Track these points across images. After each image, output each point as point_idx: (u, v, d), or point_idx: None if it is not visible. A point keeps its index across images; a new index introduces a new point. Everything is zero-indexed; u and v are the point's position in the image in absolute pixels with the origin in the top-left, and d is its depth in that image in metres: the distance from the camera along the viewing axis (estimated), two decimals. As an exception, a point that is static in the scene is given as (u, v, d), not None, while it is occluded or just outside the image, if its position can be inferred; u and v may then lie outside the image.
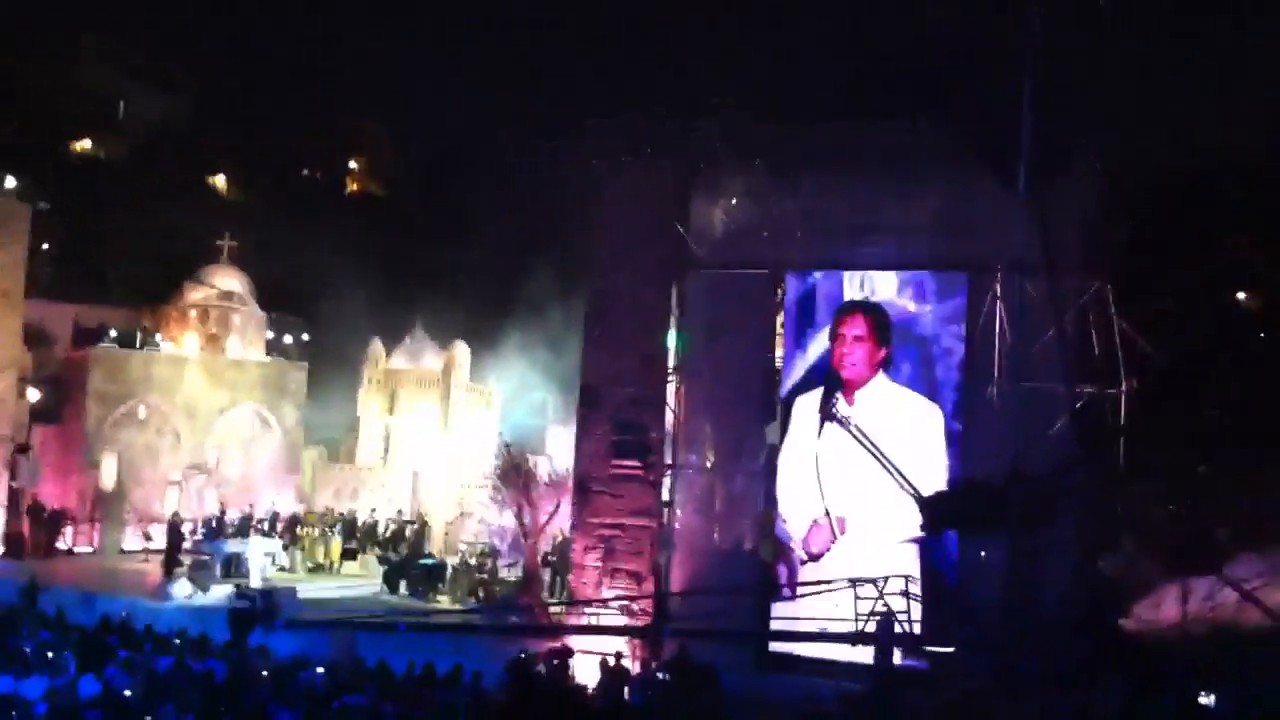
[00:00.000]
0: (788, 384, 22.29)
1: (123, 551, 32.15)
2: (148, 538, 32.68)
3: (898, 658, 16.01)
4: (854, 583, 15.83)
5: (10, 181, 42.37)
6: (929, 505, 18.73)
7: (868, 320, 21.45)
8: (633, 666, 18.60)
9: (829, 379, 21.38)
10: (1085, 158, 20.03)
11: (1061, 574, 18.64)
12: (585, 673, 18.53)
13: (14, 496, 30.89)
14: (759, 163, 23.17)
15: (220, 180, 53.17)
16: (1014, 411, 19.95)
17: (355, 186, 54.66)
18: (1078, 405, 19.33)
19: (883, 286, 21.93)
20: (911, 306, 21.75)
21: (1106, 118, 20.87)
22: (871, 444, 20.06)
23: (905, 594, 18.31)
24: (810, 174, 22.35)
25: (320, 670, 17.61)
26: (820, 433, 21.23)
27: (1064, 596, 18.29)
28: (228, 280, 37.46)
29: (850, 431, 18.40)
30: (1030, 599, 17.31)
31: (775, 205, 22.62)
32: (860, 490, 20.77)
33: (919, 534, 19.62)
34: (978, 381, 20.57)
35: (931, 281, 21.54)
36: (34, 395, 33.18)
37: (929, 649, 17.01)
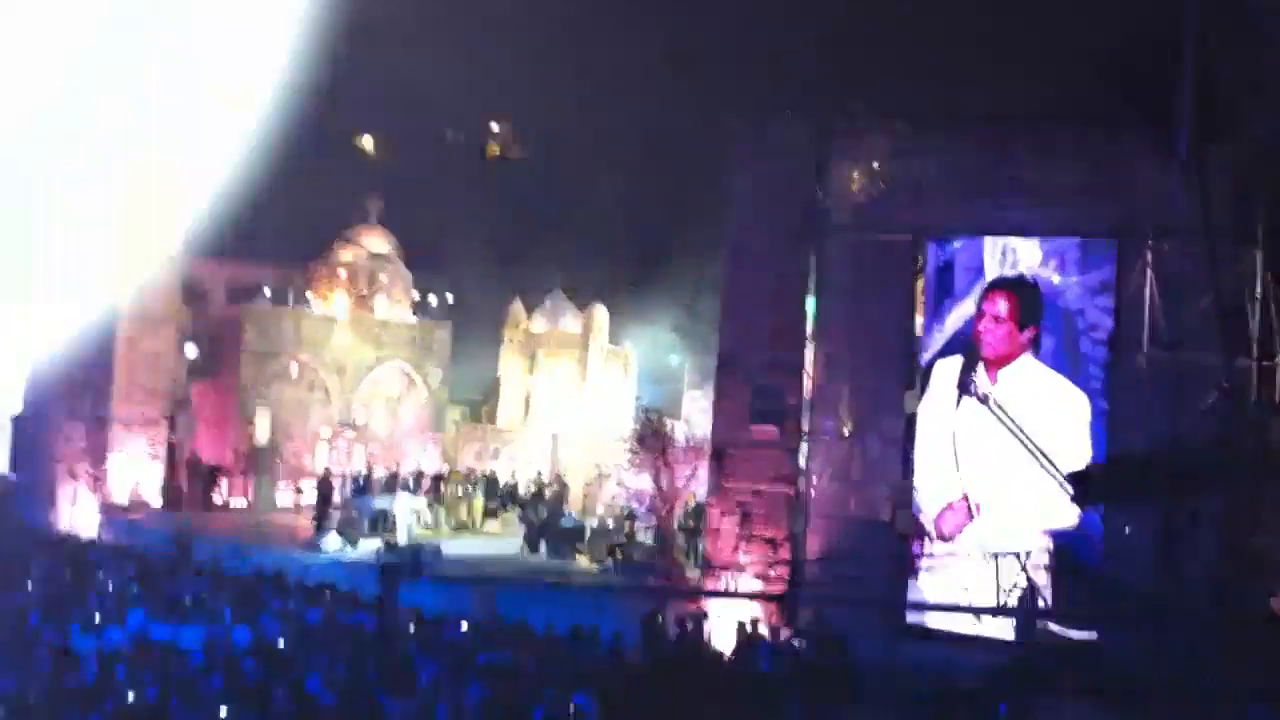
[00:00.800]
0: (926, 353, 22.05)
1: (275, 506, 33.35)
2: (299, 492, 33.81)
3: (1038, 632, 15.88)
4: (996, 556, 15.73)
5: (169, 142, 43.76)
6: (1081, 478, 18.52)
7: (1012, 301, 21.02)
8: (766, 632, 18.70)
9: (969, 352, 21.10)
10: (1242, 122, 19.31)
11: (1210, 552, 18.18)
12: (719, 637, 18.71)
13: (172, 450, 32.18)
14: (901, 125, 22.91)
15: (367, 141, 54.23)
16: (1165, 384, 19.55)
17: (497, 148, 55.32)
18: (1231, 377, 18.78)
19: (1025, 257, 21.43)
20: (1056, 278, 21.10)
21: (1265, 82, 20.09)
22: (1014, 424, 19.91)
23: (1048, 568, 18.16)
24: (954, 136, 22.00)
25: (464, 625, 18.18)
26: (959, 407, 21.02)
27: (1212, 575, 17.83)
28: (375, 240, 38.36)
29: (991, 409, 18.28)
30: (1177, 577, 16.97)
31: (917, 168, 22.27)
32: (998, 472, 20.53)
33: (1059, 520, 19.32)
34: (1126, 353, 20.06)
35: (1076, 251, 20.91)
36: (191, 351, 34.45)
37: (1070, 626, 16.80)
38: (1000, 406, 20.95)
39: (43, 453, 31.62)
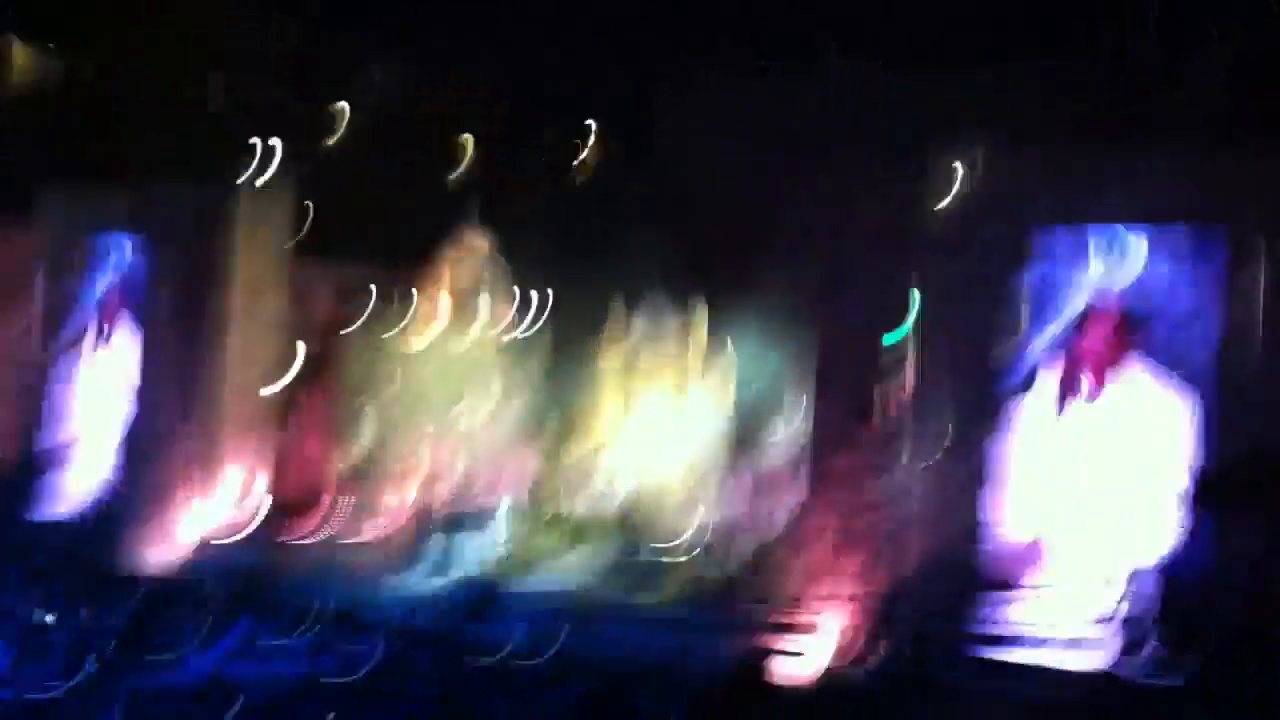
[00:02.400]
0: (1030, 357, 21.22)
1: (363, 533, 33.41)
2: (387, 519, 33.84)
3: (1138, 665, 15.24)
4: (1096, 584, 15.02)
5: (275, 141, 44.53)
6: (1207, 484, 17.59)
7: (1117, 310, 20.15)
8: (851, 662, 18.34)
9: (1069, 366, 20.25)
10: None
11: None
12: (803, 667, 18.42)
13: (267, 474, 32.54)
14: (999, 118, 22.20)
15: (468, 140, 54.59)
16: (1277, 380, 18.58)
17: (594, 148, 55.29)
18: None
19: (1132, 249, 20.49)
20: (1165, 268, 20.30)
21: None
22: (1119, 432, 18.99)
23: (1153, 596, 17.27)
24: (1054, 125, 21.33)
25: (539, 659, 18.09)
26: (1054, 426, 20.18)
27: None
28: (477, 240, 38.40)
29: (1096, 417, 17.56)
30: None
31: (1018, 161, 21.53)
32: (1094, 490, 19.76)
33: (1161, 545, 18.39)
34: (1237, 351, 19.06)
35: (1186, 244, 19.97)
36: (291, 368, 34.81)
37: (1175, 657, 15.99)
38: (1107, 413, 20.17)
39: (142, 480, 32.08)
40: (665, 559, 27.43)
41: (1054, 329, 20.80)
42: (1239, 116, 19.08)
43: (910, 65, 23.05)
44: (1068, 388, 20.27)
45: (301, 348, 34.27)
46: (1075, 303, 20.69)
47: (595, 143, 57.00)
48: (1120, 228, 20.14)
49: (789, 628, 19.18)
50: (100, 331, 34.16)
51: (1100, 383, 20.09)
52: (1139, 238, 20.11)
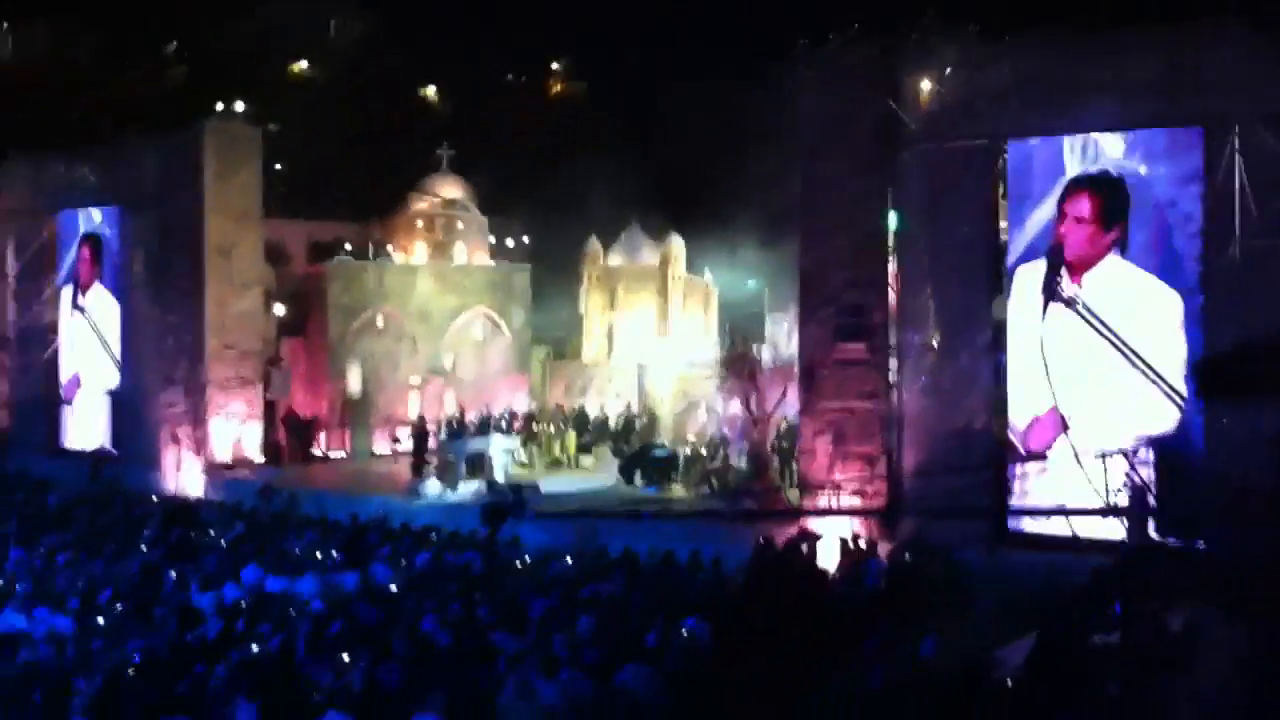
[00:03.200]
0: (1010, 258, 21.69)
1: (373, 455, 33.99)
2: (395, 440, 34.45)
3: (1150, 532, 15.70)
4: (1103, 456, 15.53)
5: (239, 106, 44.40)
6: (1203, 371, 18.17)
7: (1094, 200, 20.48)
8: (867, 548, 18.72)
9: (1052, 256, 20.71)
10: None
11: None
12: (824, 555, 18.74)
13: (269, 407, 32.82)
14: (971, 28, 22.48)
15: (431, 91, 54.41)
16: (1261, 274, 19.05)
17: (559, 87, 55.29)
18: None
19: (1109, 148, 20.74)
20: (1143, 169, 20.40)
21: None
22: (1104, 327, 19.54)
23: (1156, 465, 17.93)
24: (1026, 37, 21.49)
25: (569, 560, 18.42)
26: (1045, 313, 20.65)
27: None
28: (449, 188, 38.61)
29: (1078, 313, 17.97)
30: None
31: (990, 71, 21.80)
32: (1090, 377, 20.22)
33: (1157, 423, 19.00)
34: (1219, 243, 19.56)
35: (1163, 138, 20.30)
36: (279, 310, 35.05)
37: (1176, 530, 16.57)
38: (1089, 310, 20.68)
39: (144, 421, 32.41)
40: (671, 458, 27.84)
41: (1031, 231, 21.39)
42: (1206, 27, 19.55)
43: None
44: (1048, 286, 20.91)
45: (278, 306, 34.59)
46: (1049, 204, 21.30)
47: (559, 82, 56.62)
48: (1093, 135, 20.71)
49: (804, 514, 19.62)
50: (75, 294, 34.35)
51: (1079, 281, 20.74)
52: (1115, 137, 20.64)
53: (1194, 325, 19.58)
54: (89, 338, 34.15)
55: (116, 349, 33.44)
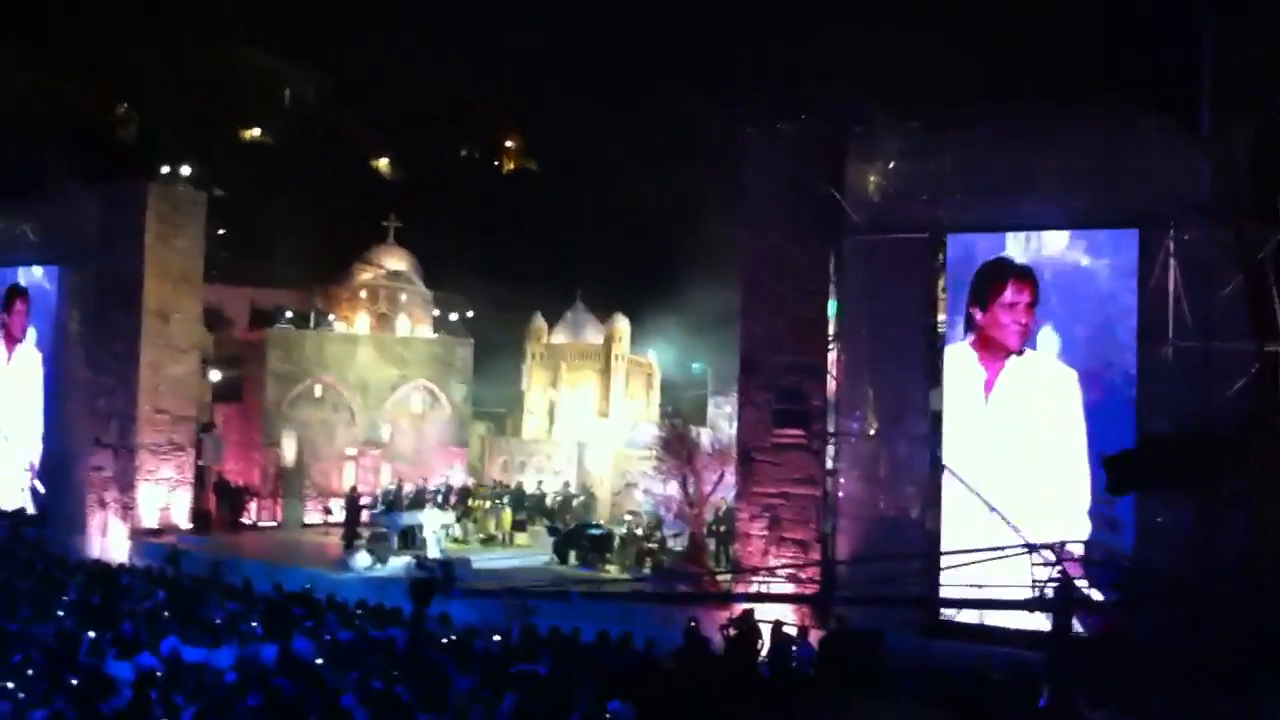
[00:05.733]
0: (949, 347, 21.92)
1: (304, 525, 33.44)
2: (327, 511, 33.99)
3: (1075, 625, 15.75)
4: (1031, 548, 15.55)
5: (185, 170, 44.18)
6: (1115, 466, 18.38)
7: (1033, 287, 20.86)
8: (799, 633, 18.64)
9: (979, 343, 21.04)
10: (1260, 104, 19.17)
11: (1241, 535, 18.06)
12: (753, 640, 18.63)
13: (200, 473, 32.30)
14: (915, 124, 22.84)
15: (383, 163, 54.61)
16: (1192, 371, 19.35)
17: (511, 164, 55.76)
18: (1257, 364, 18.64)
19: (1051, 241, 21.05)
20: (1085, 260, 20.76)
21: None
22: (1019, 418, 19.65)
23: (1083, 560, 18.01)
24: (968, 132, 21.86)
25: (496, 638, 18.14)
26: (969, 409, 20.87)
27: (1245, 560, 17.71)
28: (394, 260, 38.52)
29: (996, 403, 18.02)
30: (1210, 561, 16.84)
31: (933, 165, 22.17)
32: (1020, 465, 20.46)
33: (1081, 514, 19.21)
34: (1152, 341, 19.88)
35: (1103, 233, 20.76)
36: (215, 375, 34.65)
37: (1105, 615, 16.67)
38: (1005, 400, 20.95)
39: (70, 483, 31.79)
40: (606, 537, 27.67)
41: (964, 320, 21.63)
42: (1143, 126, 20.01)
43: (822, 81, 23.75)
44: (978, 373, 21.15)
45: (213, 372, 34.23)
46: (983, 295, 21.53)
47: (510, 158, 56.94)
48: (1032, 232, 21.06)
49: (738, 599, 19.52)
50: (9, 349, 33.80)
51: (996, 372, 20.95)
52: (1057, 233, 20.96)
53: (1129, 416, 19.81)
54: (14, 395, 33.55)
55: (40, 407, 32.89)
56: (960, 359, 21.39)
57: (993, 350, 21.16)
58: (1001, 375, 21.00)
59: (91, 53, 47.58)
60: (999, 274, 21.24)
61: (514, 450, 36.46)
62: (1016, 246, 21.34)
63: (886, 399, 22.16)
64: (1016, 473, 20.60)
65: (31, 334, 33.48)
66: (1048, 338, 20.83)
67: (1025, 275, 21.00)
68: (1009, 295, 21.03)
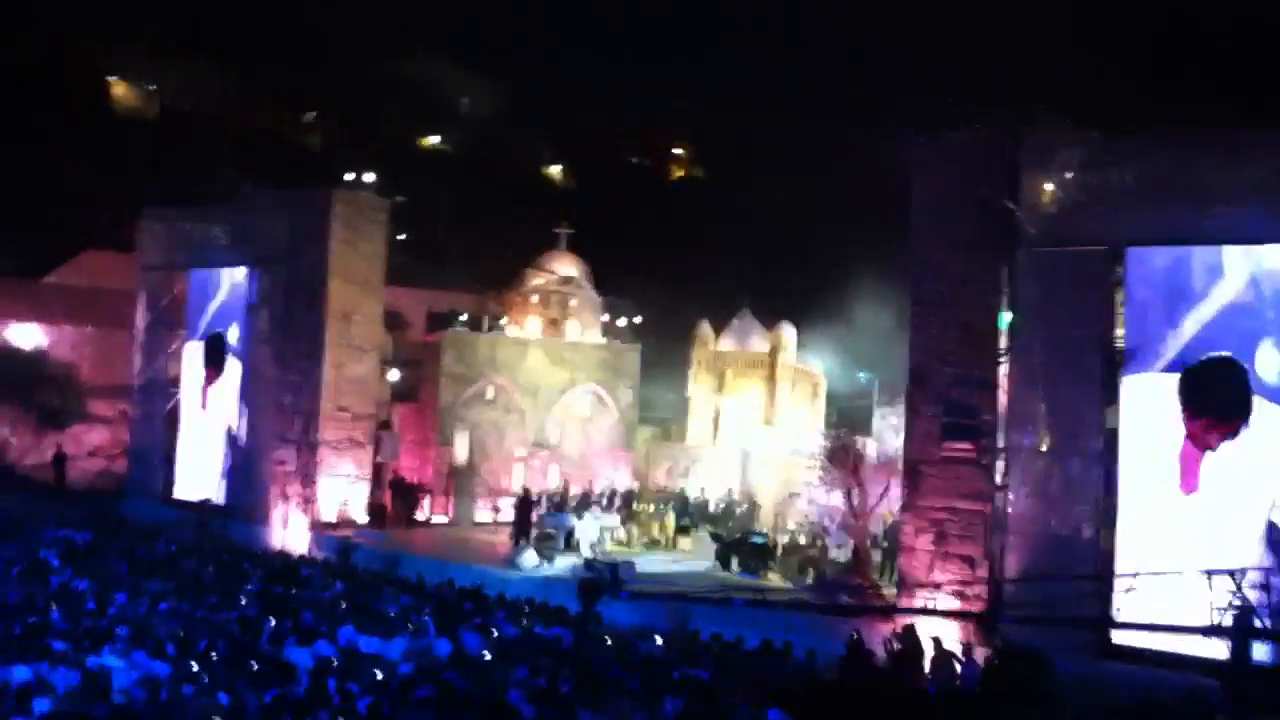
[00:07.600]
0: (1160, 360, 20.93)
1: (474, 523, 34.30)
2: (496, 510, 34.78)
3: (1256, 653, 15.21)
4: (1209, 574, 15.09)
5: (369, 177, 45.75)
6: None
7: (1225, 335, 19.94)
8: (963, 651, 18.36)
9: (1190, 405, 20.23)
10: None
11: None
12: (918, 655, 18.43)
13: (377, 470, 33.39)
14: (1093, 133, 22.29)
15: (555, 170, 55.58)
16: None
17: (681, 171, 56.15)
18: None
19: (1270, 255, 19.88)
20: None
21: None
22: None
23: (1264, 587, 17.36)
24: (1146, 144, 21.22)
25: (658, 640, 18.36)
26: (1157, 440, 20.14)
27: None
28: (566, 266, 39.16)
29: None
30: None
31: (1112, 177, 21.57)
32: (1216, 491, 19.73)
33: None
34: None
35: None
36: (394, 376, 35.77)
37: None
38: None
39: (256, 477, 33.22)
40: (769, 545, 27.62)
41: (1189, 332, 20.69)
42: None
43: (998, 88, 23.40)
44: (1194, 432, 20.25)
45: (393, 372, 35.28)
46: (1211, 305, 20.61)
47: (680, 165, 57.41)
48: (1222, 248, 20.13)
49: (902, 613, 19.33)
50: (209, 355, 35.46)
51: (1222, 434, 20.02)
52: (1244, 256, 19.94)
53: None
54: (219, 393, 35.21)
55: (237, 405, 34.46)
56: (1149, 393, 20.63)
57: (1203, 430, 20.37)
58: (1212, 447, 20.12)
59: (279, 65, 49.62)
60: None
61: (678, 456, 36.71)
62: (1233, 258, 20.19)
63: (1059, 415, 21.63)
64: (1199, 499, 19.91)
65: (234, 331, 34.97)
66: (1267, 354, 19.78)
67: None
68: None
